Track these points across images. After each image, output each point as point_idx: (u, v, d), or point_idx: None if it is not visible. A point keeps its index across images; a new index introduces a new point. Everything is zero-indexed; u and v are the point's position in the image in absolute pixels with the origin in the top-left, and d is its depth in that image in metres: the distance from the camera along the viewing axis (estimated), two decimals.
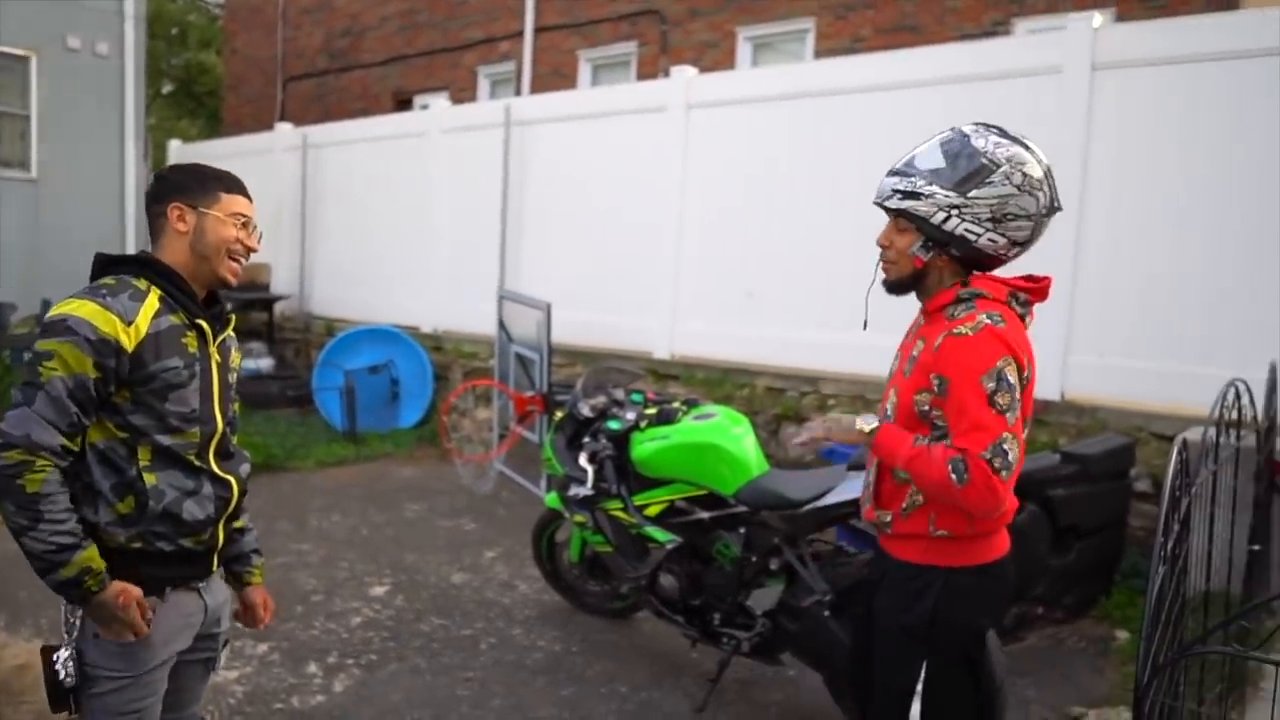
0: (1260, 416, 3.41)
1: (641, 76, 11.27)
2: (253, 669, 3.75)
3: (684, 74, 7.06)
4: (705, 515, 3.45)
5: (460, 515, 5.97)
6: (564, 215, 7.75)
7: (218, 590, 2.14)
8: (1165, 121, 4.99)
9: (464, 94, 13.11)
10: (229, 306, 2.11)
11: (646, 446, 3.56)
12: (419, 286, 8.85)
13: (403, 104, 14.05)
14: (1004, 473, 1.90)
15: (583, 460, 3.69)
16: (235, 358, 2.14)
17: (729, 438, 3.47)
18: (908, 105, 5.84)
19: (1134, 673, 1.72)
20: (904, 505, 2.11)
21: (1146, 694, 1.63)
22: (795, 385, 6.05)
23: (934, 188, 2.01)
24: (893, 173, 2.10)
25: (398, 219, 9.15)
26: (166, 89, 25.60)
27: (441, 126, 8.79)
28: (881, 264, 2.15)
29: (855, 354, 5.93)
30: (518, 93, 12.27)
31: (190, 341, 1.96)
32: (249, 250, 2.04)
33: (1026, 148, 2.03)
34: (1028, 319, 2.11)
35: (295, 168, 10.15)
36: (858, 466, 3.10)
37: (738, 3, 10.70)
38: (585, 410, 3.88)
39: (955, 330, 1.99)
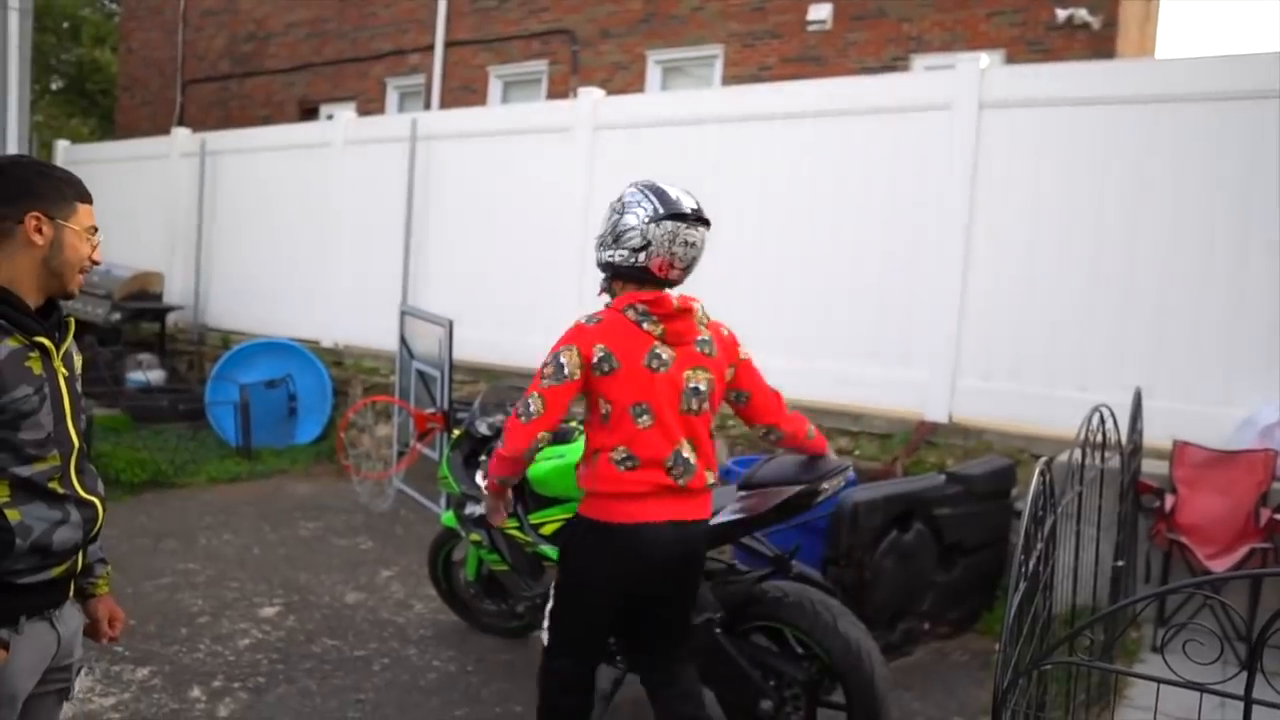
0: (1124, 439, 3.61)
1: (552, 95, 11.32)
2: (131, 695, 3.61)
3: (591, 95, 7.12)
4: None
5: (357, 534, 5.86)
6: (469, 232, 7.70)
7: (70, 618, 1.99)
8: (1046, 158, 5.27)
9: (372, 105, 12.94)
10: (65, 312, 1.93)
11: (542, 465, 3.56)
12: (320, 300, 8.67)
13: (308, 113, 13.77)
14: (523, 418, 2.58)
15: (479, 478, 3.67)
16: (78, 363, 1.99)
17: None
18: (810, 133, 6.03)
19: None
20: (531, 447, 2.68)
21: (1004, 704, 1.72)
22: None
23: (598, 237, 2.73)
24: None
25: (300, 230, 8.94)
26: (56, 86, 24.49)
27: (347, 137, 8.65)
28: None
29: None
30: (427, 106, 12.17)
31: (34, 363, 1.81)
32: (94, 264, 1.93)
33: (640, 186, 2.67)
34: (649, 325, 2.62)
35: (193, 174, 9.83)
36: (749, 486, 3.18)
37: (649, 26, 10.86)
38: (483, 428, 3.86)
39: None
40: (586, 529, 2.70)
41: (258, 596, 4.71)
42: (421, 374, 6.36)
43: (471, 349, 6.81)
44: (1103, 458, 3.03)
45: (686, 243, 2.63)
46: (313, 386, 8.10)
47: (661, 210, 2.60)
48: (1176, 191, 4.91)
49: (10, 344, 1.78)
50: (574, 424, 3.75)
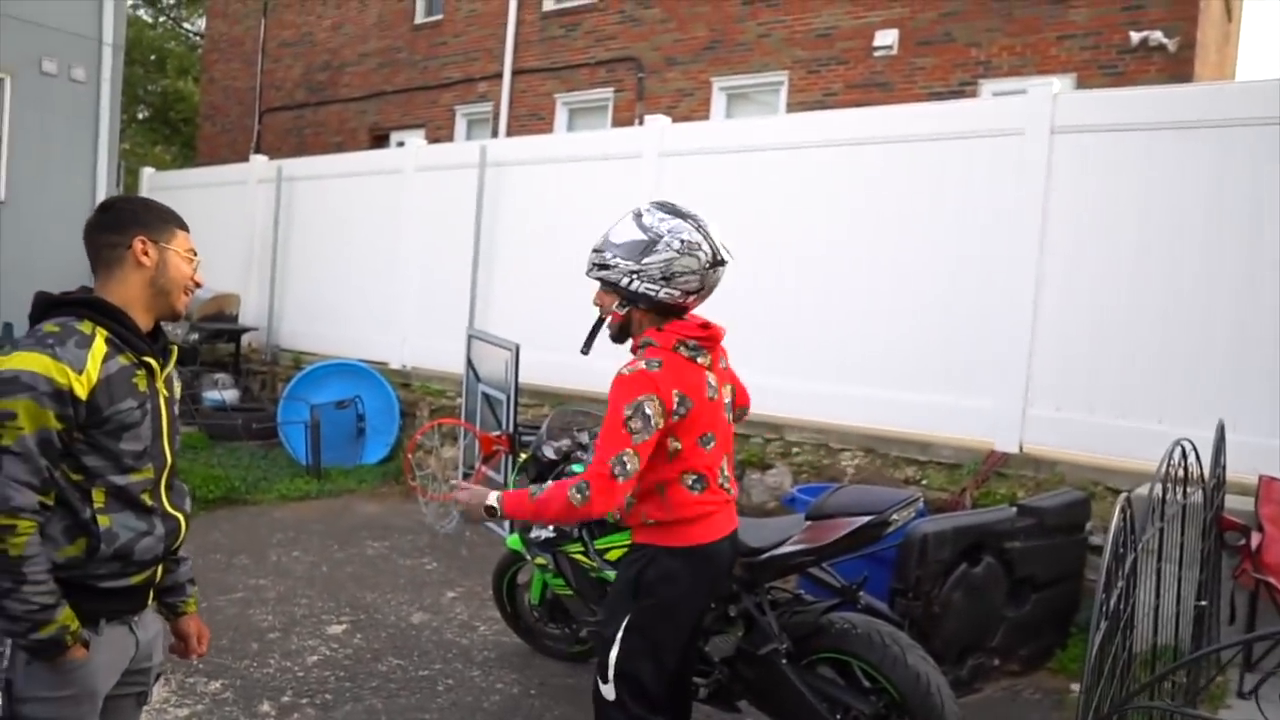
0: (1207, 474, 3.50)
1: (617, 122, 11.45)
2: (204, 707, 3.70)
3: (658, 123, 7.19)
4: None
5: (422, 554, 5.93)
6: (535, 257, 7.81)
7: (149, 624, 2.12)
8: (1121, 184, 5.16)
9: (441, 132, 13.23)
10: (182, 340, 2.14)
11: None
12: (389, 323, 8.85)
13: (379, 140, 14.14)
14: (621, 478, 2.43)
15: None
16: (177, 388, 2.17)
17: None
18: (876, 160, 5.99)
19: None
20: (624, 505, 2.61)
21: None
22: (760, 432, 6.11)
23: (619, 259, 2.57)
24: (594, 249, 2.64)
25: (370, 255, 9.16)
26: (142, 115, 25.53)
27: (417, 164, 8.85)
28: (603, 320, 2.72)
29: (818, 402, 6.02)
30: (494, 133, 12.40)
31: (140, 380, 1.96)
32: (197, 285, 2.11)
33: (686, 218, 2.57)
34: (701, 358, 2.60)
35: (269, 200, 10.14)
36: (817, 516, 3.15)
37: (713, 53, 10.94)
38: (549, 453, 3.89)
39: (622, 370, 2.53)
40: (668, 557, 2.62)
41: (326, 614, 4.79)
42: (487, 397, 6.44)
43: (536, 372, 6.87)
44: (1184, 493, 2.94)
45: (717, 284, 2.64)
46: (381, 408, 8.26)
47: (718, 256, 2.57)
48: (1255, 217, 4.76)
49: (121, 360, 1.93)
50: None
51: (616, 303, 2.64)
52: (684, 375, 2.55)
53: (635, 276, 2.55)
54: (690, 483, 2.60)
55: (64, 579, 1.87)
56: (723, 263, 2.58)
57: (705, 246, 2.55)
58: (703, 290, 2.59)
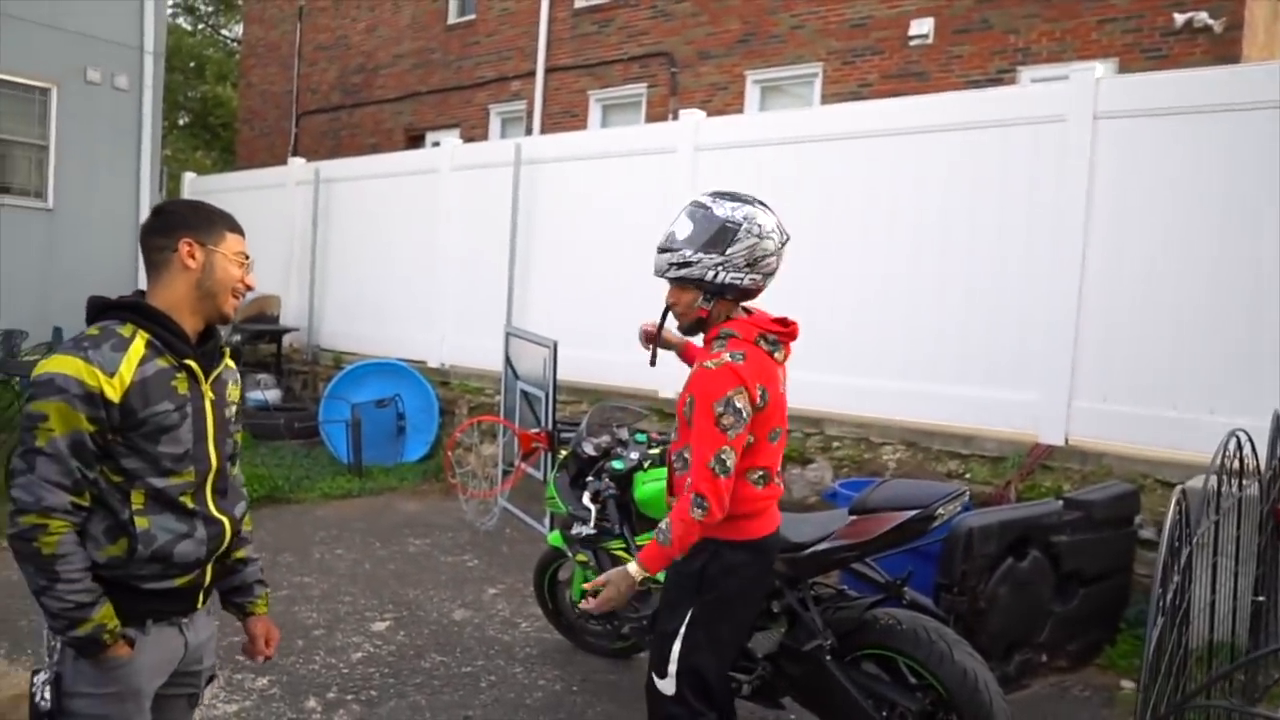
0: (1263, 466, 3.41)
1: (651, 117, 11.43)
2: (252, 703, 3.75)
3: (692, 117, 7.16)
4: None
5: (463, 551, 5.97)
6: (572, 254, 7.82)
7: (201, 627, 2.12)
8: (1167, 169, 5.04)
9: (476, 131, 13.29)
10: (225, 341, 2.11)
11: (649, 487, 3.57)
12: (427, 322, 8.92)
13: (415, 140, 14.25)
14: (722, 475, 2.44)
15: (586, 499, 3.70)
16: (233, 392, 2.12)
17: None
18: (913, 150, 5.92)
19: None
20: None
21: None
22: (800, 427, 6.06)
23: (699, 254, 2.53)
24: (661, 250, 2.61)
25: (408, 254, 9.23)
26: (183, 121, 25.97)
27: (453, 163, 8.90)
28: (675, 316, 2.68)
29: (860, 396, 5.96)
30: (528, 131, 12.43)
31: (180, 383, 1.95)
32: (248, 288, 2.09)
33: (752, 203, 2.57)
34: (778, 354, 2.62)
35: (307, 202, 10.26)
36: (861, 510, 3.11)
37: (747, 46, 10.87)
38: (589, 449, 3.89)
39: (704, 364, 2.51)
40: (730, 551, 2.60)
41: (369, 611, 4.84)
42: (526, 394, 6.46)
43: (574, 369, 6.87)
44: (1240, 485, 2.86)
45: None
46: (420, 406, 8.32)
47: (785, 236, 2.60)
48: None
49: (160, 363, 1.93)
50: None
51: (699, 299, 2.59)
52: (764, 368, 2.54)
53: (721, 268, 2.52)
54: (755, 478, 2.60)
55: (107, 578, 1.89)
56: (788, 238, 2.61)
57: (778, 228, 2.57)
58: (775, 272, 2.60)
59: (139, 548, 1.90)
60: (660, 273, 2.62)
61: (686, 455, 2.54)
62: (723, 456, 2.44)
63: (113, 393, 1.84)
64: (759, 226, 2.53)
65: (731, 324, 2.58)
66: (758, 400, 2.49)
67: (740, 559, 2.62)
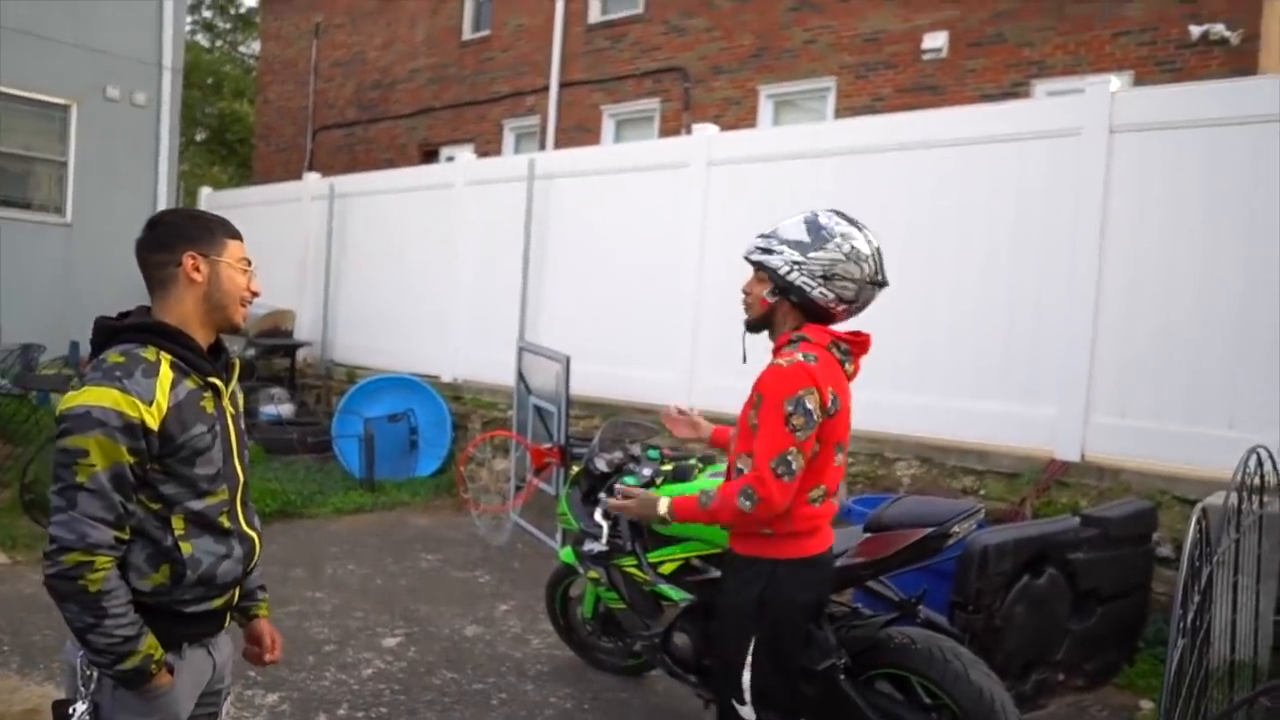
0: None
1: (664, 132, 11.44)
2: (262, 719, 3.74)
3: (705, 132, 7.16)
4: (720, 574, 3.42)
5: (475, 567, 5.95)
6: (585, 268, 7.82)
7: (223, 646, 2.11)
8: (1184, 183, 5.00)
9: (490, 146, 13.35)
10: (238, 355, 2.10)
11: None
12: (440, 336, 8.93)
13: (429, 155, 14.32)
14: (786, 478, 2.38)
15: (598, 515, 3.67)
16: (240, 402, 2.13)
17: None
18: (927, 165, 5.90)
19: None
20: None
21: None
22: None
23: (785, 248, 2.54)
24: (760, 236, 2.61)
25: (421, 269, 9.26)
26: (200, 136, 26.20)
27: (467, 178, 8.93)
28: (744, 306, 2.67)
29: (873, 411, 5.89)
30: (542, 146, 12.47)
31: (208, 402, 1.94)
32: (254, 294, 2.05)
33: (860, 229, 2.55)
34: (849, 365, 2.59)
35: (322, 216, 10.31)
36: (875, 527, 3.08)
37: (760, 61, 10.88)
38: (601, 465, 3.87)
39: (777, 361, 2.49)
40: (788, 569, 2.55)
41: (380, 626, 4.82)
42: (539, 409, 6.45)
43: (587, 384, 6.87)
44: (1261, 502, 2.82)
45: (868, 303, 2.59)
46: (433, 421, 8.32)
47: (878, 277, 2.55)
48: None
49: (189, 384, 1.90)
50: (694, 461, 3.73)
51: (768, 290, 2.58)
52: (834, 375, 2.51)
53: (797, 268, 2.51)
54: (815, 496, 2.55)
55: (151, 605, 1.86)
56: (882, 284, 2.56)
57: (872, 261, 2.52)
58: (855, 303, 2.55)
59: (187, 573, 1.88)
60: (746, 254, 2.61)
61: (747, 463, 2.47)
62: (788, 458, 2.38)
63: (152, 421, 1.80)
64: (851, 247, 2.50)
65: (806, 329, 2.56)
66: (829, 404, 2.45)
67: (801, 577, 2.57)
